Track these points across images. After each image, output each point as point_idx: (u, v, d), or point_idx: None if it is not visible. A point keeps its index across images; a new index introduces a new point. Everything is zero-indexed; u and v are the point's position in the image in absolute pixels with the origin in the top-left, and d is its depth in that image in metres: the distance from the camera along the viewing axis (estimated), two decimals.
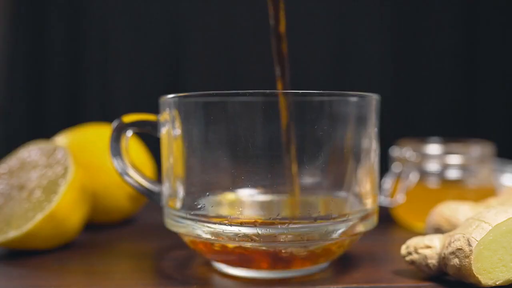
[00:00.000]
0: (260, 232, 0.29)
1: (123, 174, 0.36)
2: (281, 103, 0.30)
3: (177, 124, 0.32)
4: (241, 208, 0.33)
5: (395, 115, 0.82)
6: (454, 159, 0.45)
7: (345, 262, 0.34)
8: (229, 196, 0.32)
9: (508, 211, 0.28)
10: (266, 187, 0.32)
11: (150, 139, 0.42)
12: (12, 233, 0.35)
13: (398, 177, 0.46)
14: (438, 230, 0.36)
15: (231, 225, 0.29)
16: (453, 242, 0.29)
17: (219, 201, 0.32)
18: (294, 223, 0.28)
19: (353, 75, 0.86)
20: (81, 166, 0.40)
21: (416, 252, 0.31)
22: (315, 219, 0.29)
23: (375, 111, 0.32)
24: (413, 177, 0.45)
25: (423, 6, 0.86)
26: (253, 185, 0.31)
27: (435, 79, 0.87)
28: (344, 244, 0.32)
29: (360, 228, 0.31)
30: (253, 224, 0.29)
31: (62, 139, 0.45)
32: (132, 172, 0.36)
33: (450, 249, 0.29)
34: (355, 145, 0.31)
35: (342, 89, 0.32)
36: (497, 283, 0.28)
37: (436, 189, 0.44)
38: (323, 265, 0.32)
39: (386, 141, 0.42)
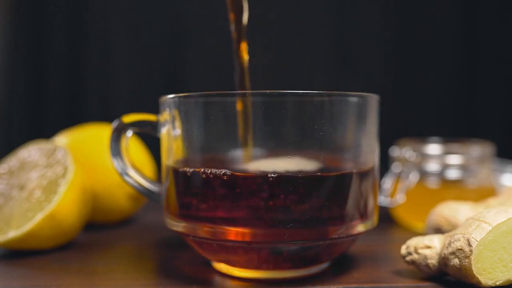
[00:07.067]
0: (259, 231, 0.29)
1: (123, 174, 0.36)
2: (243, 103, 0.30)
3: (177, 124, 0.32)
4: (241, 207, 0.33)
5: (395, 115, 0.82)
6: (454, 159, 0.45)
7: (345, 262, 0.34)
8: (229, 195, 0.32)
9: (508, 211, 0.28)
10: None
11: (150, 139, 0.42)
12: (12, 233, 0.35)
13: (398, 177, 0.46)
14: (438, 230, 0.36)
15: (230, 224, 0.29)
16: (453, 242, 0.29)
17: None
18: (294, 223, 0.28)
19: (353, 75, 0.86)
20: (81, 166, 0.40)
21: (416, 252, 0.31)
22: (315, 219, 0.29)
23: (375, 111, 0.32)
24: (413, 177, 0.45)
25: (423, 6, 0.86)
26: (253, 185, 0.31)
27: (435, 79, 0.87)
28: (344, 244, 0.32)
29: (360, 228, 0.31)
30: (251, 226, 0.29)
31: (62, 139, 0.45)
32: (132, 172, 0.36)
33: (450, 249, 0.29)
34: (355, 145, 0.31)
35: (342, 89, 0.32)
36: (497, 283, 0.28)
37: (436, 189, 0.44)
38: (323, 265, 0.32)
39: (386, 141, 0.42)
